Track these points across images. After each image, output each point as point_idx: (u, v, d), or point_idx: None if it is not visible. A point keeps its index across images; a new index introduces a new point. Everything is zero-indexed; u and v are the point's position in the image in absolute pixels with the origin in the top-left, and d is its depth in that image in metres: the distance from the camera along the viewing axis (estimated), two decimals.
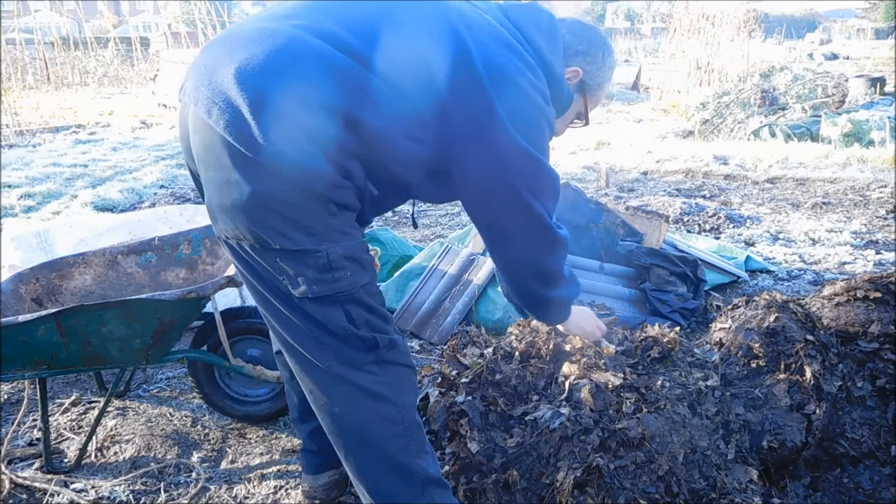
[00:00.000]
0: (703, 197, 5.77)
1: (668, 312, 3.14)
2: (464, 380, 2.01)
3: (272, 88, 1.32)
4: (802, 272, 3.94)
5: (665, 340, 2.04)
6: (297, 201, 1.37)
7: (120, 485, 2.15)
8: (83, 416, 2.60)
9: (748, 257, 4.02)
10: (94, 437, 2.31)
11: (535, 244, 1.59)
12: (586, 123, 1.78)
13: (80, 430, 2.49)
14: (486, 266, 3.33)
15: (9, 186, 6.29)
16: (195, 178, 1.58)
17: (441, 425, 1.96)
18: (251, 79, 1.32)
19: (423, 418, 2.00)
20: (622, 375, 1.87)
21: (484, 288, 3.27)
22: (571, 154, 7.85)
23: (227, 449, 2.37)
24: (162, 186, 6.54)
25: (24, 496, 2.12)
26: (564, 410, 1.79)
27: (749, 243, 4.48)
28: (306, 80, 1.33)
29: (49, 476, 2.18)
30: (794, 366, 1.97)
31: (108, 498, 2.10)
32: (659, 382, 1.88)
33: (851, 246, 4.36)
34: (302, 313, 1.48)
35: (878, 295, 2.11)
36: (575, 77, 1.68)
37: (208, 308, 2.32)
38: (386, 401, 1.54)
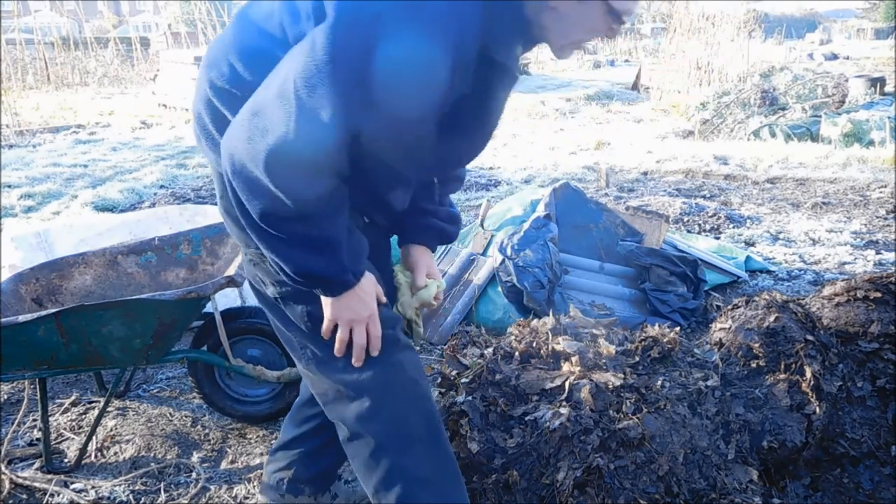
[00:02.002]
0: (703, 197, 5.77)
1: (668, 312, 3.14)
2: (464, 380, 2.01)
3: (196, 97, 1.41)
4: (802, 272, 3.94)
5: (665, 340, 2.04)
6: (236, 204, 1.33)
7: (120, 485, 2.15)
8: (83, 416, 2.60)
9: (748, 257, 4.02)
10: (94, 437, 2.31)
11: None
12: (620, 21, 1.20)
13: (80, 430, 2.49)
14: (486, 266, 3.33)
15: (9, 186, 6.29)
16: None
17: None
18: (198, 87, 1.42)
19: None
20: (622, 375, 1.87)
21: (484, 288, 3.27)
22: (571, 154, 7.84)
23: (227, 449, 2.37)
24: (162, 186, 6.54)
25: (24, 496, 2.12)
26: (564, 411, 1.79)
27: (749, 243, 4.48)
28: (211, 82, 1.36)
29: (49, 476, 2.18)
30: (794, 366, 1.97)
31: (108, 498, 2.11)
32: (659, 382, 1.88)
33: (851, 246, 4.36)
34: (280, 314, 1.49)
35: (879, 295, 2.11)
36: None
37: (208, 308, 2.32)
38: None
